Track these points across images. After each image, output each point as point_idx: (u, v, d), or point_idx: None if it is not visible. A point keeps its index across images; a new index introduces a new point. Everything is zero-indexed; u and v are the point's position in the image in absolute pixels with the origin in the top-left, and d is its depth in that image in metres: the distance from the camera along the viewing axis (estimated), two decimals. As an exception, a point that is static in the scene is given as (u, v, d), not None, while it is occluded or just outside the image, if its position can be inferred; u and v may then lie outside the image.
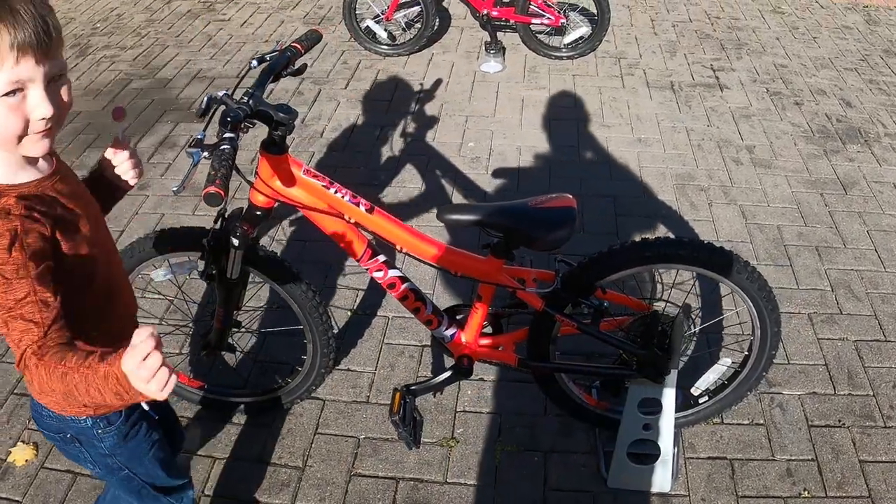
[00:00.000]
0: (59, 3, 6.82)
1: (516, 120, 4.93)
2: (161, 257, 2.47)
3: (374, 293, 3.47)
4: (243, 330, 2.83)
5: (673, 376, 2.45)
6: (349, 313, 3.36)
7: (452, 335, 2.55)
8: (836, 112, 5.13)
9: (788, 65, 5.78)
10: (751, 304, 2.51)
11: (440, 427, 2.86)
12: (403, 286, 2.44)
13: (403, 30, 5.87)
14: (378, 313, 3.37)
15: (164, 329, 3.17)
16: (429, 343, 3.20)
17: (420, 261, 2.34)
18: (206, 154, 1.92)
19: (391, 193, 4.15)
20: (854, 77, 5.65)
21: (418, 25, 5.81)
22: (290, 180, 2.21)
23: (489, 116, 4.97)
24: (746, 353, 2.68)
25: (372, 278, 2.44)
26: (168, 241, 2.42)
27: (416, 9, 5.85)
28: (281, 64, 2.28)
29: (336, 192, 2.24)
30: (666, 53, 5.92)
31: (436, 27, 5.68)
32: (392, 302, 3.37)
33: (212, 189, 1.73)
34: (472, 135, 4.75)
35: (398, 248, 2.31)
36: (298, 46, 2.37)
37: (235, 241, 2.22)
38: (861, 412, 2.97)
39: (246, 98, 2.09)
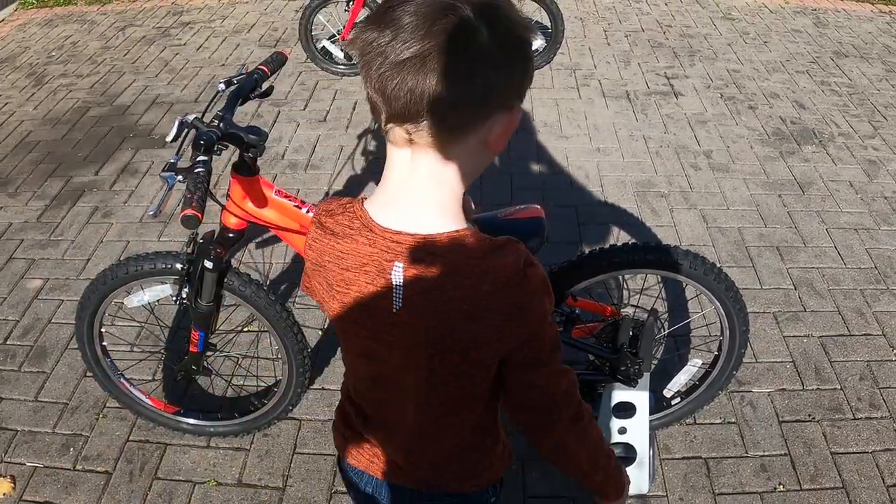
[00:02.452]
0: (13, 33, 6.81)
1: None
2: (135, 282, 2.46)
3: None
4: (218, 353, 2.83)
5: (645, 379, 2.47)
6: (320, 332, 3.36)
7: None
8: (790, 114, 5.23)
9: (741, 70, 5.88)
10: (719, 305, 2.55)
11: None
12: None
13: (360, 49, 5.90)
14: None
15: (136, 356, 3.17)
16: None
17: (394, 277, 2.35)
18: (180, 178, 1.93)
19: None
20: (806, 79, 5.76)
21: (374, 44, 5.85)
22: (262, 202, 2.22)
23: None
24: (716, 353, 2.72)
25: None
26: (141, 266, 2.41)
27: (372, 28, 5.90)
28: (248, 86, 2.30)
29: (308, 211, 2.26)
30: (620, 63, 6.00)
31: (392, 45, 5.70)
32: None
33: (189, 211, 1.74)
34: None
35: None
36: (265, 69, 2.39)
37: (209, 265, 2.24)
38: (830, 406, 3.03)
39: (216, 121, 2.10)
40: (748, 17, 6.95)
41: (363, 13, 5.45)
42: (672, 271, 2.46)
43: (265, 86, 2.40)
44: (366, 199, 1.23)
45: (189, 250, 2.31)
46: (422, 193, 1.16)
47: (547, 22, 5.68)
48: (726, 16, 6.98)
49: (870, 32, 6.74)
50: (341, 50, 5.63)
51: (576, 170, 4.57)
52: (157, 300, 2.53)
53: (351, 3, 5.35)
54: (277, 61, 2.48)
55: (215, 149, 2.01)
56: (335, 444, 1.56)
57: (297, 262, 3.74)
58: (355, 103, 5.35)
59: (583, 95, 5.49)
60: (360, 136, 4.91)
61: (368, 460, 1.46)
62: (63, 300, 3.55)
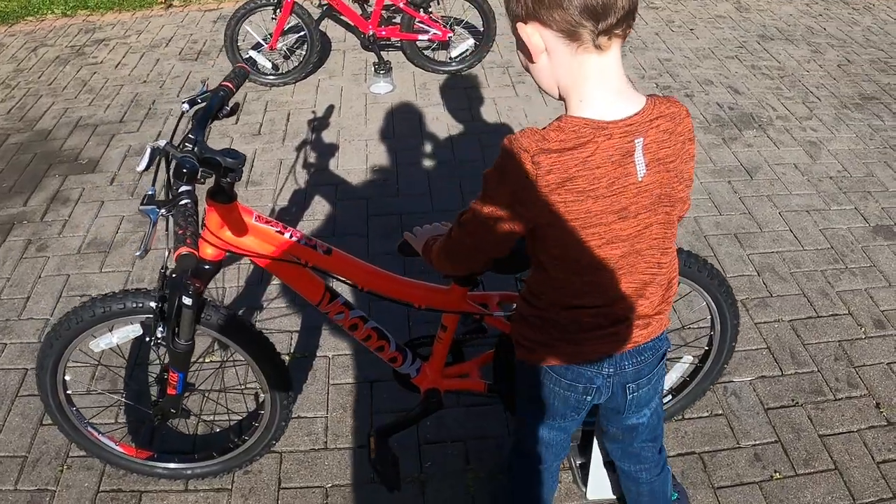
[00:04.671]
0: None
1: (417, 140, 4.85)
2: (103, 325, 2.29)
3: (309, 333, 3.33)
4: (195, 391, 2.66)
5: None
6: (287, 357, 3.21)
7: (418, 369, 2.45)
8: (727, 100, 5.25)
9: (672, 58, 5.89)
10: (710, 301, 2.51)
11: (407, 463, 2.74)
12: (366, 326, 2.33)
13: (285, 58, 5.73)
14: (318, 354, 3.23)
15: (100, 400, 2.97)
16: (377, 379, 3.08)
17: (383, 298, 2.23)
18: (163, 211, 1.78)
19: (305, 227, 4.00)
20: (736, 64, 5.80)
21: (300, 52, 5.68)
22: (240, 229, 2.07)
23: (389, 138, 4.87)
24: (706, 347, 2.69)
25: (332, 321, 2.31)
26: (109, 306, 2.24)
27: (295, 35, 5.73)
28: (216, 105, 2.15)
29: (291, 236, 2.12)
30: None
31: (319, 52, 5.54)
32: (331, 341, 3.26)
33: (185, 250, 1.60)
34: (376, 158, 4.65)
35: (360, 287, 2.20)
36: (229, 85, 2.24)
37: (188, 301, 2.07)
38: (810, 388, 3.05)
39: (189, 146, 1.95)
40: (671, 6, 6.98)
41: (291, 21, 5.29)
42: None
43: (231, 103, 2.26)
44: (564, 115, 1.46)
45: (162, 286, 2.15)
46: (624, 80, 1.46)
47: (473, 20, 5.60)
48: (650, 5, 7.00)
49: (791, 15, 6.84)
50: (268, 60, 5.44)
51: (525, 169, 4.47)
52: (126, 341, 2.35)
53: (278, 11, 5.18)
54: (241, 76, 2.34)
55: (199, 176, 1.85)
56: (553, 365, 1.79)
57: (252, 285, 3.58)
58: (288, 114, 5.17)
59: (519, 93, 5.42)
60: (298, 149, 4.74)
61: (609, 345, 1.71)
62: (6, 344, 3.32)
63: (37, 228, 4.08)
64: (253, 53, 5.44)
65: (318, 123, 5.04)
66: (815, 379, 3.09)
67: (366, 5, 5.47)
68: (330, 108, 5.22)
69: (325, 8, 6.11)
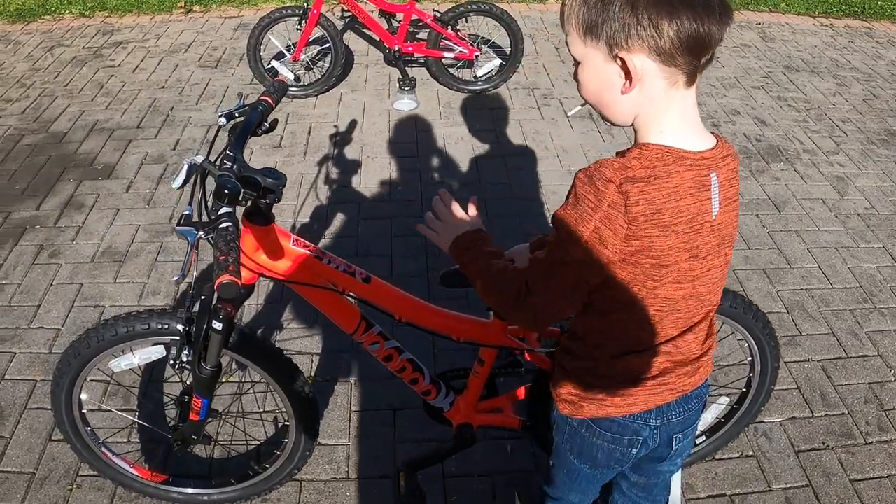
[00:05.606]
0: (-71, 58, 6.36)
1: (441, 159, 4.76)
2: (124, 345, 2.19)
3: (331, 356, 3.23)
4: (219, 417, 2.56)
5: None
6: (308, 380, 3.10)
7: (451, 403, 2.36)
8: (754, 131, 5.17)
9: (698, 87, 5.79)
10: (753, 343, 2.46)
11: (433, 497, 2.64)
12: (400, 358, 2.23)
13: (307, 69, 5.65)
14: (339, 378, 3.13)
15: (115, 420, 2.88)
16: (401, 406, 2.98)
17: (421, 329, 2.14)
18: (201, 234, 1.69)
19: (327, 245, 3.91)
20: (763, 95, 5.72)
21: (322, 64, 5.60)
22: (277, 253, 1.98)
23: (413, 156, 4.79)
24: (744, 389, 2.63)
25: (366, 350, 2.22)
26: (132, 326, 2.15)
27: (318, 47, 5.65)
28: (255, 121, 2.06)
29: (329, 262, 2.02)
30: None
31: (343, 65, 5.46)
32: (354, 365, 3.17)
33: (227, 278, 1.50)
34: (399, 176, 4.56)
35: (397, 317, 2.10)
36: (269, 100, 2.15)
37: (218, 326, 1.96)
38: (841, 431, 2.98)
39: (228, 163, 1.86)
40: (697, 32, 6.89)
41: (315, 32, 5.21)
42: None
43: (269, 119, 2.17)
44: (644, 143, 1.40)
45: (193, 308, 2.05)
46: (697, 118, 1.43)
47: (504, 41, 5.52)
48: (674, 31, 6.90)
49: (815, 46, 6.77)
50: (291, 71, 5.35)
51: (550, 195, 4.41)
52: (148, 363, 2.25)
53: (303, 21, 5.09)
54: (280, 90, 2.25)
55: (241, 198, 1.76)
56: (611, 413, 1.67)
57: (272, 303, 3.48)
58: (310, 127, 5.08)
59: (545, 116, 5.33)
60: (319, 163, 4.65)
61: (658, 395, 1.64)
62: (15, 353, 3.22)
63: (50, 234, 3.99)
64: (275, 63, 5.35)
65: (341, 138, 4.96)
66: (846, 422, 3.02)
67: (392, 20, 5.39)
68: (352, 123, 5.13)
69: (348, 20, 6.06)
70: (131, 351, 2.21)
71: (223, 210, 1.69)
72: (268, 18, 5.14)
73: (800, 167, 4.78)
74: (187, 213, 1.74)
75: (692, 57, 1.32)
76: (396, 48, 5.28)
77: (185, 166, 1.84)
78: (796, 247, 4.03)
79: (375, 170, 4.62)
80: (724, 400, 2.77)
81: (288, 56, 5.40)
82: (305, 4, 5.06)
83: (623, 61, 1.34)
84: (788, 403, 3.09)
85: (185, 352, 2.08)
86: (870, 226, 4.25)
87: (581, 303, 1.53)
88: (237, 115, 2.12)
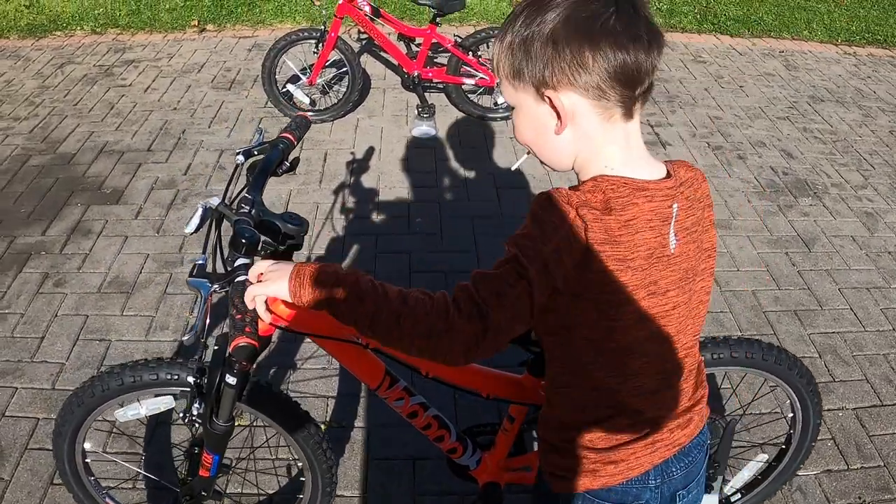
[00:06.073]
0: (-62, 74, 6.26)
1: (461, 190, 4.62)
2: (131, 394, 2.06)
3: (348, 401, 3.09)
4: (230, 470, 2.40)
5: (718, 483, 2.24)
6: (322, 426, 2.97)
7: (478, 461, 2.21)
8: (781, 164, 5.04)
9: (723, 116, 5.68)
10: (796, 400, 2.35)
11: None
12: (426, 414, 2.09)
13: (322, 93, 5.53)
14: (356, 424, 2.99)
15: (120, 470, 2.73)
16: (420, 456, 2.84)
17: (448, 385, 1.99)
18: (216, 287, 1.55)
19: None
20: (788, 126, 5.59)
21: (338, 89, 5.48)
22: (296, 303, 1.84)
23: (432, 187, 4.65)
24: (783, 446, 2.52)
25: (390, 406, 2.08)
26: (139, 376, 2.01)
27: (334, 71, 5.53)
28: (276, 160, 1.94)
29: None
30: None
31: (360, 90, 5.33)
32: (371, 411, 3.03)
33: (243, 340, 1.37)
34: (419, 208, 4.42)
35: (423, 372, 1.96)
36: (290, 137, 2.03)
37: (232, 380, 1.82)
38: (877, 485, 2.86)
39: (246, 206, 1.73)
40: (719, 60, 6.78)
41: (333, 55, 5.09)
42: (757, 368, 2.26)
43: (290, 158, 2.04)
44: (597, 176, 1.33)
45: (206, 360, 1.91)
46: (643, 149, 1.38)
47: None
48: (696, 58, 6.80)
49: (840, 75, 6.64)
50: (306, 95, 5.22)
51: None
52: (156, 413, 2.11)
53: (321, 44, 4.98)
54: (303, 127, 2.13)
55: (258, 248, 1.62)
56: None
57: (284, 342, 3.34)
58: (325, 154, 4.95)
59: (566, 145, 5.19)
60: (335, 192, 4.51)
61: (652, 454, 1.51)
62: (17, 388, 3.09)
63: (55, 261, 3.86)
64: (291, 87, 5.23)
65: (357, 166, 4.82)
66: (882, 475, 2.90)
67: (412, 44, 5.27)
68: (370, 150, 5.00)
69: (364, 42, 5.94)
70: (138, 401, 2.08)
71: (240, 261, 1.56)
72: (284, 41, 5.03)
73: (828, 202, 4.64)
74: (200, 262, 1.61)
75: (624, 88, 1.28)
76: (416, 73, 5.15)
77: (200, 210, 1.71)
78: (827, 287, 3.90)
79: (393, 200, 4.49)
80: (763, 457, 2.64)
81: (304, 79, 5.28)
82: (323, 27, 4.96)
83: (551, 100, 1.31)
84: (823, 455, 2.96)
85: (196, 405, 1.95)
86: (901, 265, 4.12)
87: (527, 326, 1.37)
88: (256, 152, 2.00)
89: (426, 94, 5.27)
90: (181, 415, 1.99)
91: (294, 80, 5.37)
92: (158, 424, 2.95)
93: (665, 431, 1.52)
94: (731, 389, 3.04)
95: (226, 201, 1.78)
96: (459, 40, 5.14)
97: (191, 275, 1.60)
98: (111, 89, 5.85)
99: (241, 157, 1.94)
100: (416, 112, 5.21)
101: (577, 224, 1.27)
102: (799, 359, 2.29)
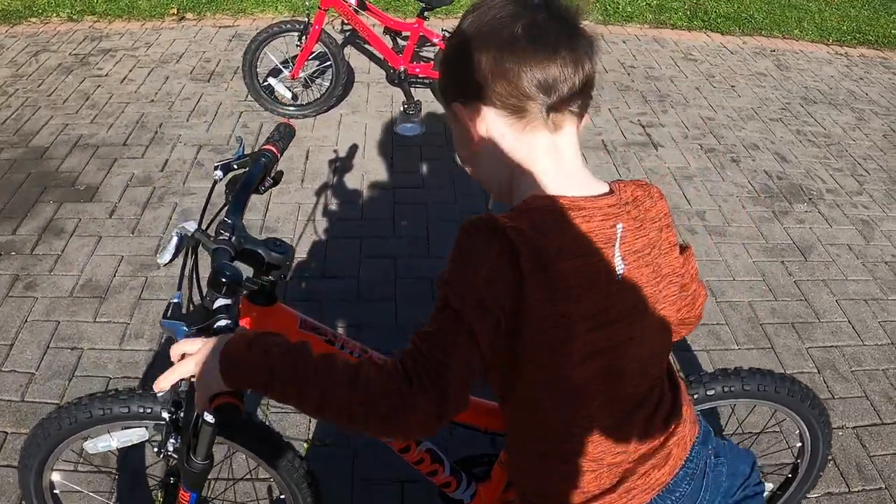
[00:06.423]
0: None
1: (449, 191, 4.46)
2: (102, 426, 1.91)
3: (332, 417, 2.94)
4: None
5: None
6: (305, 444, 2.83)
7: (473, 495, 2.08)
8: (775, 168, 4.94)
9: (715, 117, 5.56)
10: (806, 430, 2.26)
11: None
12: (419, 448, 1.95)
13: (305, 87, 5.36)
14: (341, 443, 2.85)
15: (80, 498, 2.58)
16: (410, 479, 2.70)
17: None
18: (193, 332, 1.40)
19: (326, 287, 3.61)
20: (781, 128, 5.49)
21: (321, 83, 5.32)
22: (283, 338, 1.69)
23: (419, 188, 4.49)
24: (789, 475, 2.44)
25: (381, 441, 1.94)
26: (109, 409, 1.86)
27: (317, 64, 5.36)
28: (258, 175, 1.78)
29: (342, 346, 1.75)
30: (590, 108, 5.59)
31: (344, 85, 5.17)
32: (355, 428, 2.88)
33: (226, 400, 1.22)
34: (404, 210, 4.26)
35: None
36: (273, 149, 1.88)
37: (210, 419, 1.67)
38: None
39: (226, 233, 1.57)
40: (710, 59, 6.66)
41: (316, 49, 4.93)
42: (769, 400, 2.16)
43: (273, 172, 1.89)
44: (529, 196, 1.23)
45: (179, 395, 1.76)
46: (579, 165, 1.28)
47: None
48: (687, 56, 6.67)
49: (832, 76, 6.55)
50: (288, 89, 5.05)
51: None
52: (128, 445, 1.97)
53: (304, 37, 4.81)
54: (287, 137, 1.98)
55: (241, 286, 1.46)
56: None
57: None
58: (307, 152, 4.78)
59: (557, 144, 5.05)
60: (318, 193, 4.35)
61: (643, 489, 1.39)
62: (-16, 399, 2.93)
63: (26, 262, 3.68)
64: (272, 81, 5.05)
65: (341, 165, 4.66)
66: (883, 497, 2.82)
67: (398, 38, 5.11)
68: (353, 148, 4.84)
69: (348, 34, 5.78)
70: (108, 433, 1.94)
71: (220, 302, 1.41)
72: (266, 33, 4.85)
73: (823, 209, 4.54)
74: (176, 301, 1.46)
75: (538, 100, 1.21)
76: (402, 69, 4.98)
77: (175, 238, 1.56)
78: (824, 298, 3.80)
79: (378, 202, 4.33)
80: (768, 486, 2.53)
81: (286, 73, 5.11)
82: (307, 19, 4.78)
83: (464, 116, 1.26)
84: (824, 477, 2.82)
85: (172, 440, 1.80)
86: (899, 275, 4.04)
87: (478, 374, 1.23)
88: (235, 166, 1.84)
89: (412, 90, 5.10)
90: (155, 449, 1.85)
91: (275, 73, 5.20)
92: (132, 449, 2.79)
93: (640, 475, 1.39)
94: (730, 414, 2.93)
95: (202, 226, 1.62)
96: (448, 34, 4.96)
97: (165, 315, 1.45)
98: (87, 79, 5.65)
99: (219, 173, 1.79)
100: (401, 108, 5.03)
101: (507, 252, 1.16)
102: (811, 389, 2.20)
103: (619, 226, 1.26)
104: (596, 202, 1.24)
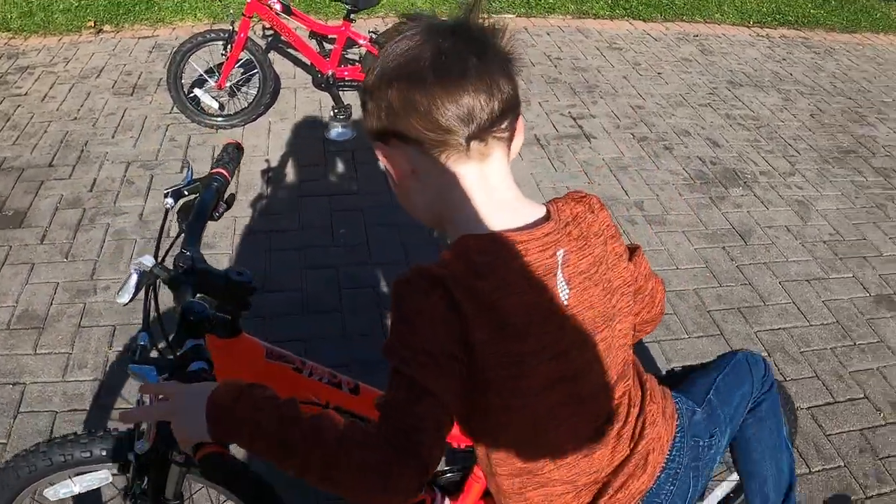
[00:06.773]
0: None
1: (385, 195, 4.36)
2: (62, 472, 1.82)
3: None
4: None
5: None
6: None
7: None
8: (707, 154, 4.98)
9: (644, 105, 5.58)
10: None
11: None
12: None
13: (231, 97, 5.24)
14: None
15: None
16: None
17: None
18: (164, 376, 1.33)
19: (271, 304, 3.52)
20: (711, 113, 5.54)
21: (247, 91, 5.21)
22: (249, 370, 1.63)
23: (354, 193, 4.41)
24: None
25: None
26: (70, 454, 1.78)
27: (241, 72, 5.24)
28: (210, 203, 1.72)
29: (311, 374, 1.69)
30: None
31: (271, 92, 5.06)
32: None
33: (212, 450, 1.16)
34: (341, 218, 4.17)
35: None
36: (223, 172, 1.82)
37: (180, 458, 1.60)
38: (840, 487, 2.84)
39: (183, 265, 1.50)
40: (635, 47, 6.69)
41: (243, 56, 4.83)
42: None
43: (227, 195, 1.83)
44: (462, 236, 1.20)
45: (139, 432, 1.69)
46: (511, 192, 1.24)
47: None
48: (612, 45, 6.69)
49: (755, 59, 6.65)
50: (215, 99, 4.94)
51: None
52: (91, 489, 1.88)
53: (229, 46, 4.70)
54: (236, 158, 1.92)
55: (209, 323, 1.39)
56: None
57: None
58: (239, 163, 4.65)
59: (492, 140, 5.02)
60: (252, 205, 4.24)
61: (622, 499, 1.37)
62: (-84, 444, 2.80)
63: (-49, 293, 3.53)
64: (198, 92, 4.92)
65: (274, 174, 4.55)
66: (844, 475, 2.87)
67: (324, 41, 5.02)
68: (285, 156, 4.73)
69: (270, 38, 5.68)
70: (70, 478, 1.85)
71: (190, 343, 1.34)
72: (190, 43, 4.73)
73: (759, 191, 4.60)
74: (142, 343, 1.39)
75: (464, 127, 1.15)
76: (330, 73, 4.89)
77: (133, 276, 1.49)
78: (768, 281, 3.84)
79: (315, 210, 4.23)
80: (735, 477, 2.54)
81: (212, 83, 4.99)
82: (231, 28, 4.68)
83: (380, 150, 1.23)
84: (784, 461, 2.88)
85: (139, 482, 1.73)
86: (837, 254, 4.11)
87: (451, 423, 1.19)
88: (186, 192, 1.77)
89: (341, 94, 5.01)
90: (121, 492, 1.77)
91: (201, 83, 5.07)
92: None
93: (615, 491, 1.38)
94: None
95: (160, 263, 1.55)
96: (375, 37, 4.91)
97: (133, 360, 1.38)
98: (6, 99, 5.43)
99: (170, 200, 1.72)
100: (331, 113, 4.92)
101: (446, 299, 1.14)
102: (777, 381, 2.18)
103: (560, 252, 1.23)
104: (532, 233, 1.21)
